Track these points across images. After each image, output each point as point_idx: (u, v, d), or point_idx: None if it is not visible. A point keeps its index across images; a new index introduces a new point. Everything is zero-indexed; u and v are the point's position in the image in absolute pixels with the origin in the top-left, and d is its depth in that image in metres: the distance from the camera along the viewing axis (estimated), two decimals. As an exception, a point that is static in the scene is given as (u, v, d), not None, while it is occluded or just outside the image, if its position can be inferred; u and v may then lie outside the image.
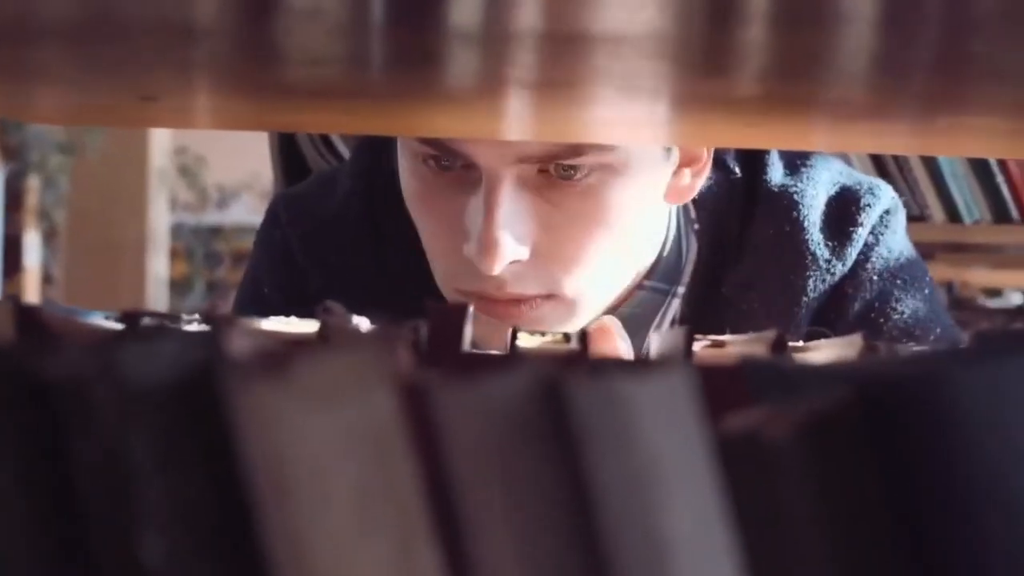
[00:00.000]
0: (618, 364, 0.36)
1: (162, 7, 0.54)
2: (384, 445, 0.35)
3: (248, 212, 10.65)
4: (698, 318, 1.11)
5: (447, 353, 0.58)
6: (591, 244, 1.00)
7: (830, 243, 1.11)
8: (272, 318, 0.60)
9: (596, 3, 0.52)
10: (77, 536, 0.34)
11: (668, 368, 0.35)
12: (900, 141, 0.96)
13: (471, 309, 0.56)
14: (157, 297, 7.26)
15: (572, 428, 0.34)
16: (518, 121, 0.78)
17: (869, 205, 1.13)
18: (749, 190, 1.12)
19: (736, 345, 0.61)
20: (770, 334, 0.59)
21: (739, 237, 1.11)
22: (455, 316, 0.61)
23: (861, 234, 1.12)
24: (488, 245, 0.95)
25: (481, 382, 0.35)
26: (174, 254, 8.74)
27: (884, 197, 1.14)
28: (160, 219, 7.47)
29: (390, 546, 0.34)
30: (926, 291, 1.15)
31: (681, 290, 1.12)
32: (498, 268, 0.97)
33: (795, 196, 1.11)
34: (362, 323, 0.62)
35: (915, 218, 2.54)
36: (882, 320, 1.12)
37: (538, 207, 0.98)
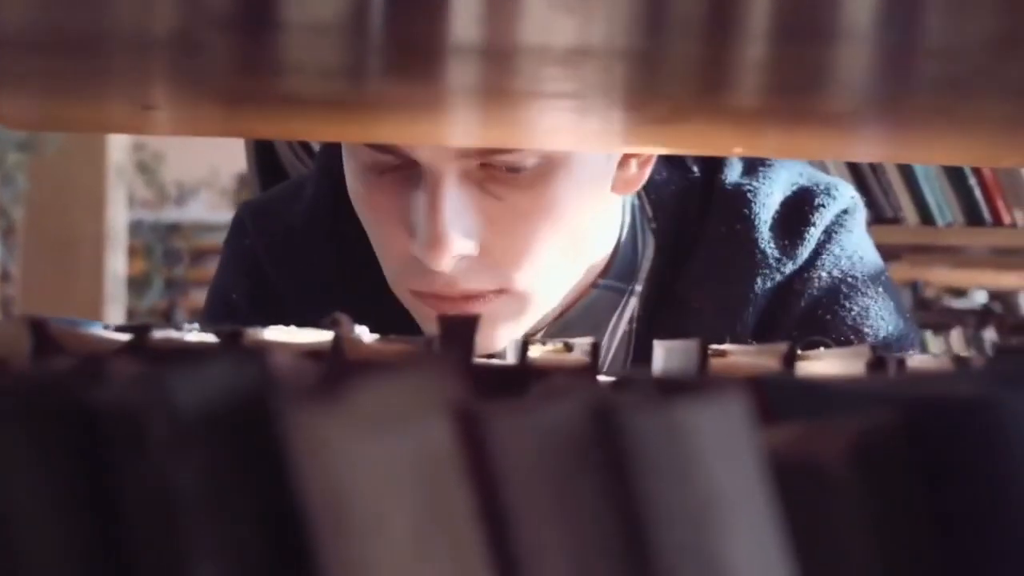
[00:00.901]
0: (674, 386, 0.35)
1: (160, 18, 0.54)
2: (440, 472, 0.34)
3: (207, 209, 10.61)
4: (652, 317, 1.10)
5: (458, 365, 0.58)
6: (538, 237, 0.99)
7: (781, 242, 1.10)
8: (280, 328, 0.60)
9: (586, 20, 0.52)
10: (125, 569, 0.34)
11: (725, 390, 0.35)
12: (881, 150, 0.97)
13: (480, 319, 0.56)
14: (115, 295, 7.21)
15: (629, 456, 0.34)
16: (510, 130, 0.78)
17: (823, 205, 1.12)
18: (705, 189, 1.12)
19: (742, 356, 0.61)
20: (781, 346, 0.59)
21: (693, 236, 1.11)
22: (465, 327, 0.61)
23: (813, 233, 1.11)
24: (433, 241, 0.95)
25: (535, 408, 0.35)
26: (132, 251, 8.67)
27: (841, 197, 1.13)
28: (118, 216, 7.41)
29: (448, 577, 0.34)
30: (880, 289, 1.13)
31: (639, 288, 1.11)
32: (445, 264, 0.96)
33: (748, 195, 1.11)
34: (364, 334, 0.61)
35: (888, 220, 2.55)
36: (829, 317, 1.10)
37: (482, 201, 0.97)
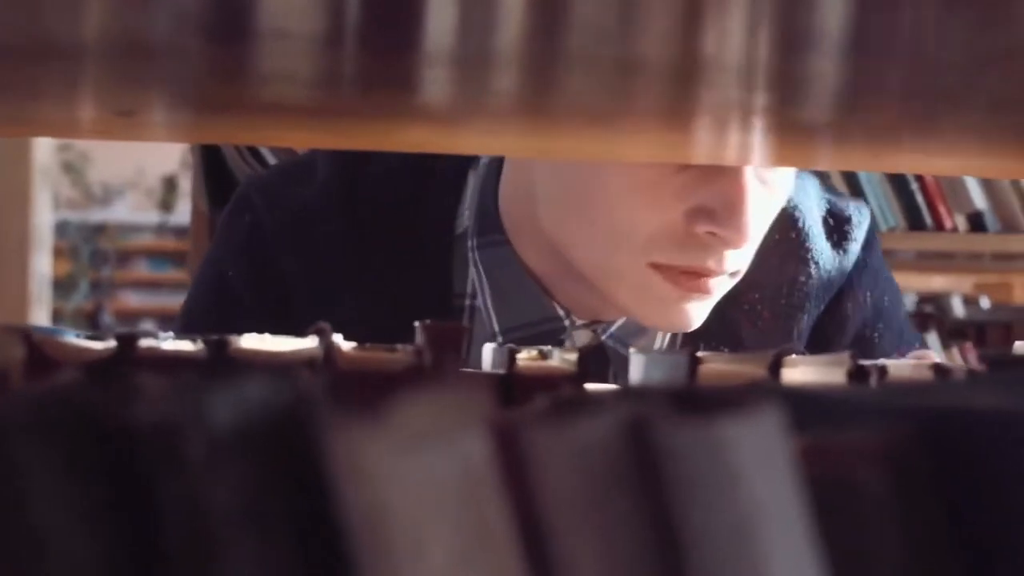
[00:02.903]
0: (711, 401, 0.35)
1: (138, 25, 0.53)
2: (479, 489, 0.34)
3: (133, 210, 10.52)
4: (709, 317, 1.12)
5: (446, 372, 0.58)
6: (767, 224, 1.05)
7: (833, 253, 1.15)
8: (264, 336, 0.59)
9: (569, 25, 0.53)
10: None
11: (760, 403, 0.35)
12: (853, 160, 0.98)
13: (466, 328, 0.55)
14: (40, 296, 7.13)
15: (670, 473, 0.33)
16: (497, 139, 0.78)
17: (860, 222, 1.17)
18: None
19: (724, 365, 0.61)
20: (765, 355, 0.60)
21: None
22: (452, 335, 0.61)
23: (855, 249, 1.16)
24: (744, 227, 0.99)
25: (572, 423, 0.34)
26: (58, 252, 8.58)
27: (867, 215, 1.19)
28: (43, 217, 7.32)
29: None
30: (903, 309, 1.22)
31: None
32: (750, 239, 1.00)
33: (798, 205, 1.15)
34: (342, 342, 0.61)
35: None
36: (876, 336, 1.16)
37: (758, 191, 1.02)
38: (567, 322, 1.11)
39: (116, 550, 0.33)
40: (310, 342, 0.59)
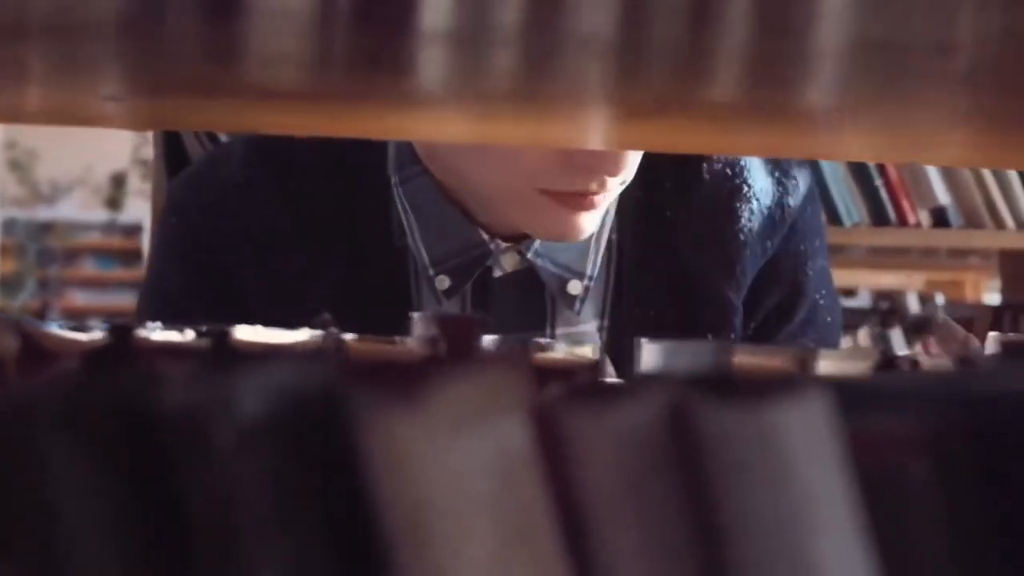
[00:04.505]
0: (760, 387, 0.34)
1: (124, 7, 0.51)
2: (518, 474, 0.32)
3: (80, 207, 10.45)
4: (631, 229, 1.14)
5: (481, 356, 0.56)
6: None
7: (774, 191, 1.17)
8: (257, 328, 0.57)
9: (571, 7, 0.51)
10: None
11: (807, 388, 0.34)
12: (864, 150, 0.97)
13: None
14: (-13, 295, 7.08)
15: (717, 459, 0.32)
16: (486, 124, 0.76)
17: (801, 173, 1.19)
18: None
19: (753, 357, 0.59)
20: (795, 349, 0.58)
21: (674, 161, 1.15)
22: (467, 327, 0.59)
23: (798, 195, 1.18)
24: (618, 155, 1.00)
25: (611, 407, 0.33)
26: (4, 250, 8.51)
27: (807, 171, 1.21)
28: (-10, 214, 7.28)
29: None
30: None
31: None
32: (627, 165, 1.02)
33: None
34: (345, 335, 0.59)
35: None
36: (801, 276, 1.18)
37: None
38: (492, 246, 1.11)
39: (143, 541, 0.31)
40: (310, 334, 0.57)
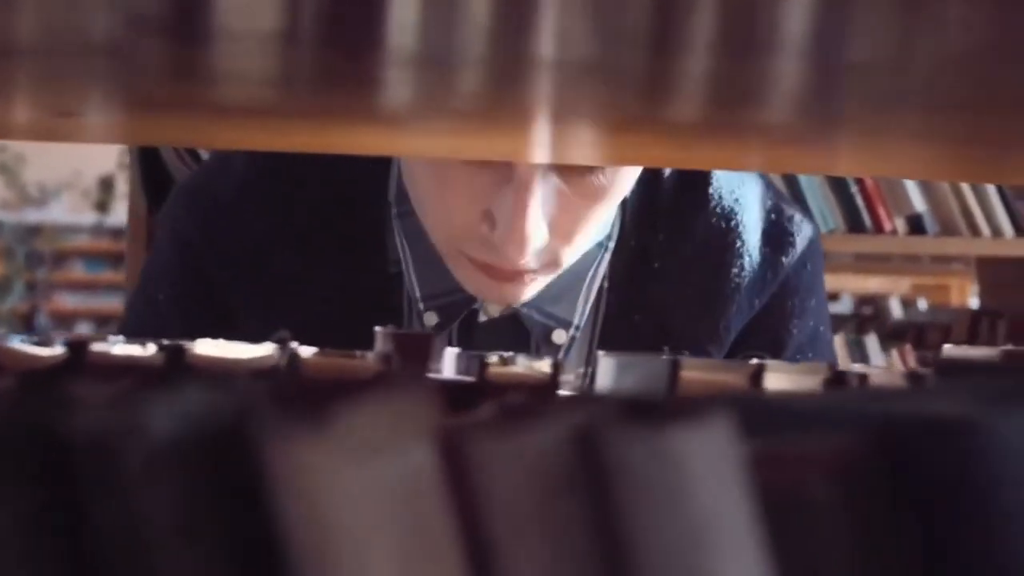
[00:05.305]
0: (661, 410, 0.35)
1: (85, 24, 0.52)
2: (423, 499, 0.33)
3: (69, 211, 10.43)
4: (623, 277, 1.14)
5: (392, 380, 0.57)
6: (597, 219, 1.06)
7: (768, 252, 1.16)
8: (220, 341, 0.58)
9: (534, 30, 0.52)
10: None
11: (711, 412, 0.34)
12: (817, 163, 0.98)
13: (437, 338, 0.55)
14: (-26, 298, 7.07)
15: (619, 483, 0.33)
16: (452, 142, 0.77)
17: (801, 230, 1.18)
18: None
19: (704, 372, 0.60)
20: (748, 364, 0.59)
21: (672, 212, 1.14)
22: (423, 343, 0.60)
23: (793, 254, 1.16)
24: (520, 240, 1.00)
25: (517, 431, 0.33)
26: (-8, 254, 8.49)
27: (809, 227, 1.20)
28: (-22, 218, 7.26)
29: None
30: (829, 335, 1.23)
31: (611, 244, 1.14)
32: (526, 258, 1.01)
33: (739, 199, 1.16)
34: (303, 349, 0.60)
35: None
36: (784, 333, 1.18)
37: (559, 195, 1.02)
38: None
39: (50, 563, 0.32)
40: (270, 350, 0.58)
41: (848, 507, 0.37)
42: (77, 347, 0.57)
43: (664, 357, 0.58)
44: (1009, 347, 0.56)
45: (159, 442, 0.32)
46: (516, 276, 1.04)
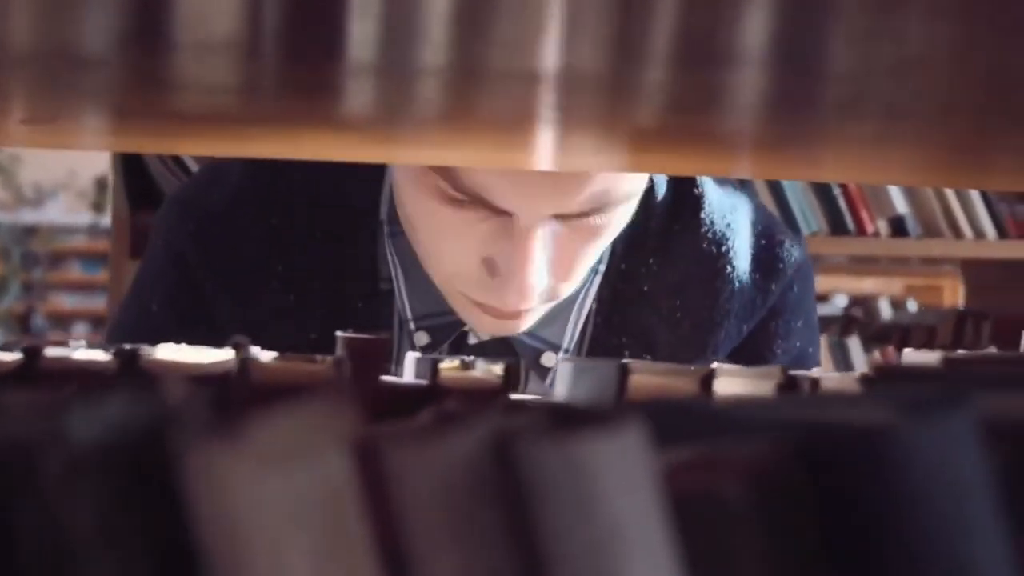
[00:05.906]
0: (573, 419, 0.35)
1: (52, 33, 0.53)
2: (338, 508, 0.34)
3: (64, 212, 10.42)
4: (611, 300, 1.14)
5: (367, 385, 0.58)
6: (595, 255, 1.07)
7: (758, 277, 1.17)
8: (181, 346, 0.59)
9: (494, 40, 0.53)
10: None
11: (624, 422, 0.35)
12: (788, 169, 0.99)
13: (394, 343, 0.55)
14: (-30, 299, 7.07)
15: (529, 491, 0.34)
16: (415, 149, 0.78)
17: (790, 254, 1.18)
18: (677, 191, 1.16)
19: (655, 377, 0.61)
20: (702, 369, 0.60)
21: (663, 236, 1.15)
22: (374, 349, 0.61)
23: (782, 279, 1.17)
24: (523, 291, 1.01)
25: (434, 440, 0.34)
26: (-12, 254, 8.49)
27: (799, 251, 1.20)
28: (-27, 218, 7.26)
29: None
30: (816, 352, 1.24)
31: (602, 267, 1.14)
32: (530, 305, 1.03)
33: (731, 224, 1.16)
34: (263, 354, 0.61)
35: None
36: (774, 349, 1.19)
37: (558, 238, 1.03)
38: None
39: None
40: (228, 354, 0.59)
41: (762, 513, 0.37)
42: (32, 353, 0.58)
43: (615, 361, 0.59)
44: (948, 354, 0.57)
45: (79, 450, 0.33)
46: (516, 315, 1.05)
